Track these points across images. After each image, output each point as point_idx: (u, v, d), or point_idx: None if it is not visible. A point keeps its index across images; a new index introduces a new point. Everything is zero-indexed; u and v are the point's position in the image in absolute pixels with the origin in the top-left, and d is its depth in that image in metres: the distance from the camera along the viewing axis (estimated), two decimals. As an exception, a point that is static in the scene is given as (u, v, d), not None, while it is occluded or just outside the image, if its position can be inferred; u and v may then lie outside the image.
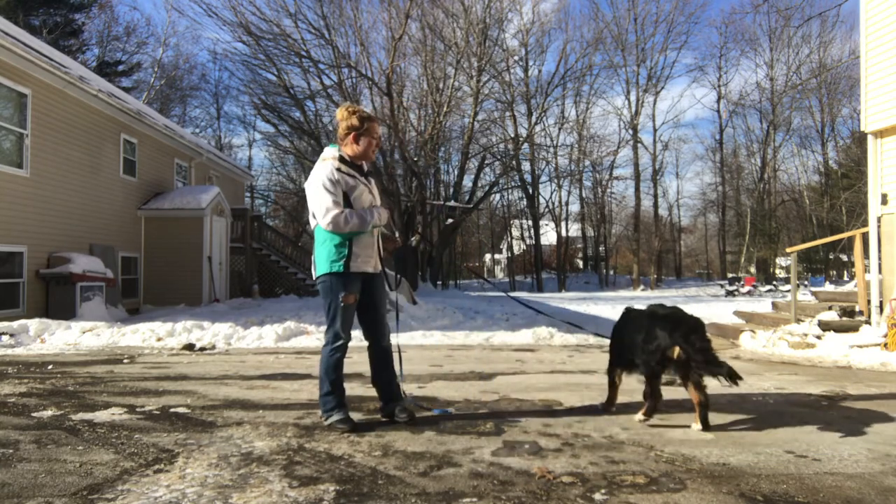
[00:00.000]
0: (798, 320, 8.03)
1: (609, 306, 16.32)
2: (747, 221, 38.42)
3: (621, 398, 4.37)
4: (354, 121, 3.51)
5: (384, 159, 21.64)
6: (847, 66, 32.27)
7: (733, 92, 49.26)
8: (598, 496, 2.42)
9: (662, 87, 39.43)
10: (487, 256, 53.78)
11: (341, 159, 3.46)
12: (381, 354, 3.66)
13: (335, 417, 3.44)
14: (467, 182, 27.82)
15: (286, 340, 8.52)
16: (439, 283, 27.86)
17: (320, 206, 3.36)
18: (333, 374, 3.46)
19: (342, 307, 3.41)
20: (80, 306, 11.01)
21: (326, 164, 3.44)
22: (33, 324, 8.73)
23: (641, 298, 23.10)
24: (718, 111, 41.28)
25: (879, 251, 7.76)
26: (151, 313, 12.61)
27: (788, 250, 9.69)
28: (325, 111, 25.28)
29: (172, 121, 26.30)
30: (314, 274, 3.53)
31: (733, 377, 3.35)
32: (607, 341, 4.16)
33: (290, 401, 4.29)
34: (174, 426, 3.54)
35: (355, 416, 3.72)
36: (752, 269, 39.41)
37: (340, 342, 3.45)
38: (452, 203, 22.42)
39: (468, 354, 6.96)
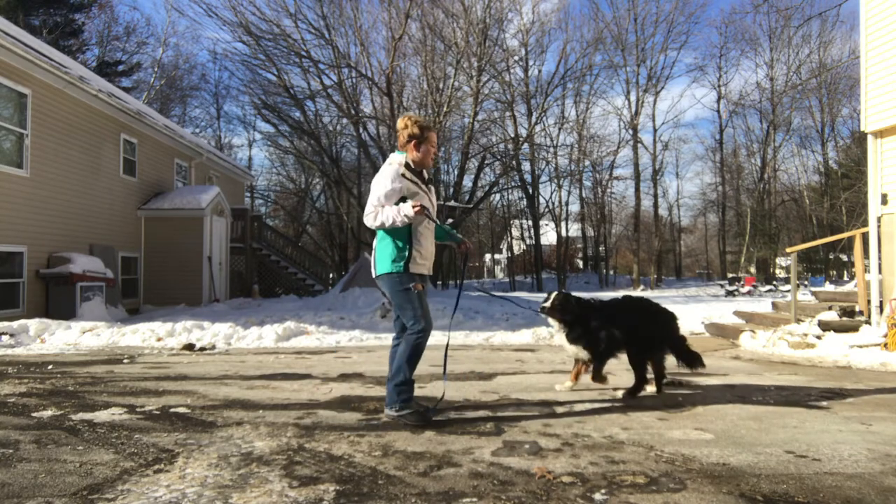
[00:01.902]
0: (798, 320, 8.02)
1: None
2: (747, 221, 38.37)
3: (620, 399, 4.37)
4: (415, 129, 3.65)
5: (384, 159, 21.62)
6: (847, 66, 32.26)
7: (733, 92, 49.24)
8: (598, 496, 2.42)
9: (662, 87, 39.36)
10: (487, 256, 53.76)
11: (407, 165, 3.61)
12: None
13: (408, 410, 3.50)
14: (467, 182, 27.79)
15: (286, 340, 8.52)
16: (439, 283, 27.86)
17: (370, 202, 3.55)
18: (416, 360, 3.52)
19: (416, 295, 3.51)
20: (80, 306, 11.01)
21: (392, 167, 3.58)
22: (33, 324, 8.73)
23: (641, 298, 23.05)
24: (718, 111, 41.21)
25: (879, 251, 7.75)
26: (151, 313, 12.61)
27: (788, 250, 9.68)
28: (325, 111, 25.31)
29: (172, 121, 26.30)
30: (374, 271, 3.65)
31: None
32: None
33: (290, 401, 4.29)
34: (174, 426, 3.54)
35: (355, 415, 3.72)
36: (752, 269, 39.37)
37: (423, 328, 3.51)
38: (452, 203, 22.38)
39: (468, 354, 6.96)
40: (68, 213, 11.82)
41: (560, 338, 4.49)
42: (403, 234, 3.55)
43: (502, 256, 50.17)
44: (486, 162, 28.52)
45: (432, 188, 3.79)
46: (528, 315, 11.81)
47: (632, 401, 4.26)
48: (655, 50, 37.83)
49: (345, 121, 23.86)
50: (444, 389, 4.18)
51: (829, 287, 14.58)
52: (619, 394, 4.39)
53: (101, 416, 3.81)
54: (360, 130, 22.58)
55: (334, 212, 32.02)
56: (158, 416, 3.79)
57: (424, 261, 3.63)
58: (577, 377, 4.60)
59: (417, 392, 4.37)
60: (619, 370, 5.10)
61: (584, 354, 4.42)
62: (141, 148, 14.84)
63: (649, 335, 4.45)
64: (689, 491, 2.48)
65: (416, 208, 3.41)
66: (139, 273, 14.65)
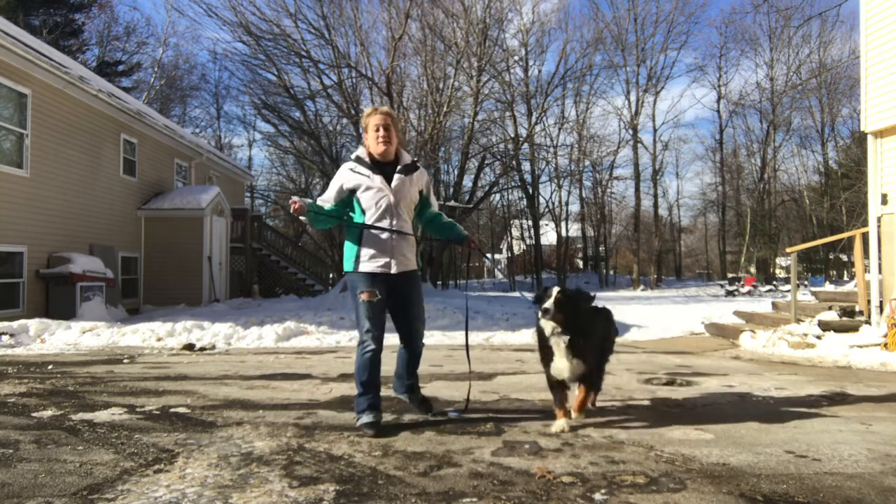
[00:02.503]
0: (798, 320, 8.02)
1: (609, 306, 16.30)
2: (747, 221, 38.37)
3: (620, 400, 4.37)
4: (362, 124, 3.63)
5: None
6: (847, 66, 32.24)
7: (733, 92, 49.10)
8: (598, 496, 2.42)
9: (662, 87, 39.39)
10: (487, 256, 53.77)
11: (356, 159, 3.55)
12: (409, 356, 3.69)
13: (362, 420, 3.41)
14: (467, 182, 27.77)
15: (286, 340, 8.52)
16: (439, 283, 27.87)
17: None
18: (364, 374, 3.42)
19: (361, 304, 3.41)
20: (80, 306, 11.01)
21: (342, 167, 3.59)
22: (33, 324, 8.73)
23: (641, 298, 23.10)
24: (718, 111, 41.24)
25: (879, 251, 7.75)
26: (151, 313, 12.61)
27: (788, 250, 9.69)
28: (325, 111, 25.28)
29: (172, 121, 26.29)
30: None
31: None
32: None
33: (290, 401, 4.29)
34: (174, 426, 3.54)
35: (355, 415, 3.71)
36: (752, 269, 39.36)
37: (365, 341, 3.41)
38: (452, 203, 22.39)
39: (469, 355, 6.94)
40: (68, 213, 11.81)
41: (558, 350, 3.37)
42: (352, 233, 3.49)
43: (502, 256, 50.14)
44: (486, 162, 28.52)
45: (402, 175, 3.51)
46: (528, 315, 11.81)
47: (630, 402, 4.26)
48: (655, 50, 37.89)
49: (345, 121, 23.83)
50: (468, 392, 4.11)
51: (829, 287, 14.58)
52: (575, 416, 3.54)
53: (101, 416, 3.81)
54: (360, 130, 22.56)
55: (334, 212, 31.96)
56: (158, 416, 3.79)
57: (380, 257, 3.41)
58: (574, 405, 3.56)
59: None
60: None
61: (581, 369, 3.40)
62: (141, 148, 14.83)
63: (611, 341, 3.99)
64: (689, 491, 2.48)
65: (293, 204, 3.32)
66: (139, 273, 14.65)
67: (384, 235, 3.44)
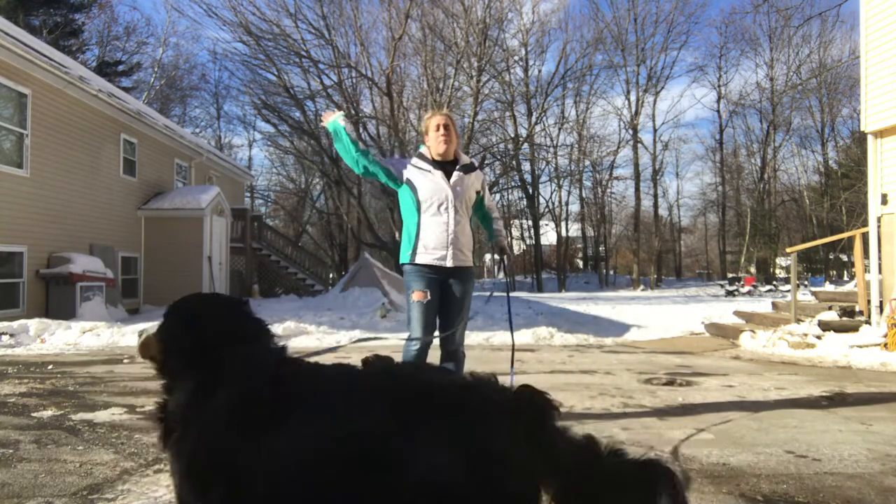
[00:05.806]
0: (798, 320, 8.02)
1: (609, 306, 16.32)
2: (747, 221, 38.37)
3: (620, 400, 4.36)
4: (422, 128, 3.68)
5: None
6: (847, 66, 32.21)
7: (733, 92, 48.91)
8: (598, 496, 2.42)
9: (662, 87, 39.35)
10: (487, 256, 53.76)
11: (418, 155, 3.57)
12: (445, 359, 3.50)
13: None
14: (467, 182, 27.80)
15: (286, 340, 8.51)
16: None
17: None
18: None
19: (414, 304, 3.37)
20: (80, 306, 11.00)
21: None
22: (33, 324, 8.73)
23: (641, 298, 23.09)
24: (718, 111, 41.23)
25: (879, 251, 7.75)
26: (151, 313, 12.60)
27: (788, 250, 9.69)
28: (325, 111, 25.27)
29: (172, 121, 26.27)
30: None
31: None
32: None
33: (290, 401, 4.28)
34: (174, 426, 3.54)
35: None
36: (752, 269, 39.36)
37: (413, 340, 3.35)
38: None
39: (468, 354, 6.94)
40: (68, 213, 11.81)
41: None
42: (410, 224, 3.48)
43: (502, 256, 50.07)
44: (486, 162, 28.51)
45: (461, 173, 3.51)
46: (528, 315, 11.82)
47: (630, 402, 4.25)
48: (655, 50, 37.89)
49: (345, 121, 23.81)
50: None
51: (829, 287, 14.57)
52: None
53: (101, 416, 3.80)
54: (361, 130, 22.58)
55: (334, 212, 32.03)
56: (158, 416, 3.79)
57: (438, 249, 3.39)
58: None
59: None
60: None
61: None
62: (141, 148, 14.83)
63: None
64: (689, 491, 2.47)
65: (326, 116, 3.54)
66: (139, 273, 14.64)
67: (442, 228, 3.42)
